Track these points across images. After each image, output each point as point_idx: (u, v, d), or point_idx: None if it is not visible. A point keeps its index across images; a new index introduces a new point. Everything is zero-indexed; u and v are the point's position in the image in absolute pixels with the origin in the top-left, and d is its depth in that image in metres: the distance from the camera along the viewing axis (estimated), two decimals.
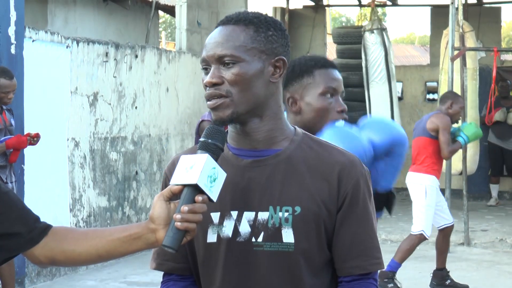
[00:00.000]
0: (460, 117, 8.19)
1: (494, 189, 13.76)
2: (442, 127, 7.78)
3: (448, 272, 8.20)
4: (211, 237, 2.20)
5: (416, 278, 8.47)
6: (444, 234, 8.11)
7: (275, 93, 2.22)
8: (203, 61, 2.20)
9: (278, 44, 2.21)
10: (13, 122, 7.05)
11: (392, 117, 11.81)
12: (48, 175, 8.20)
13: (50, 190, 8.24)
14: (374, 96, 11.66)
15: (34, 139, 6.93)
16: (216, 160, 2.10)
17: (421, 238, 7.85)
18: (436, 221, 8.03)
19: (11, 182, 6.95)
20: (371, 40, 11.70)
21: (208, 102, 2.19)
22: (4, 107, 6.99)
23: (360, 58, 12.28)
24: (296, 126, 2.29)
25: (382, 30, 11.81)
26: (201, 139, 2.13)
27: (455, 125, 8.12)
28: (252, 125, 2.20)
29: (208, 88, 2.17)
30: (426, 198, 7.86)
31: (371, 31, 11.74)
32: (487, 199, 14.06)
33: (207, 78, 2.17)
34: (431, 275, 8.21)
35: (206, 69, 2.20)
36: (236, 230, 2.18)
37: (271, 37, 2.20)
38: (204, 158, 2.06)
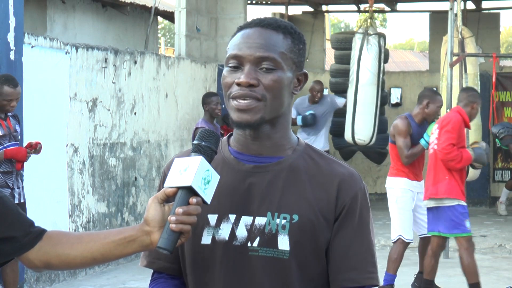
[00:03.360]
0: (439, 116, 8.04)
1: (505, 194, 13.48)
2: (396, 133, 7.69)
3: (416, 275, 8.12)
4: (206, 239, 2.19)
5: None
6: (425, 242, 7.95)
7: (290, 104, 2.23)
8: (234, 58, 2.15)
9: (303, 58, 2.24)
10: (18, 128, 7.06)
11: (375, 122, 11.76)
12: (47, 181, 8.21)
13: (49, 196, 8.24)
14: (361, 100, 11.65)
15: (34, 149, 6.94)
16: (209, 162, 2.10)
17: (403, 243, 7.71)
18: (416, 228, 7.93)
19: (18, 188, 6.96)
20: (366, 44, 11.70)
21: (236, 102, 2.12)
22: (8, 114, 6.99)
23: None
24: (298, 137, 2.30)
25: (378, 35, 11.80)
26: (195, 141, 2.13)
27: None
28: (263, 131, 2.19)
29: (239, 87, 2.12)
30: (397, 201, 7.77)
31: (365, 34, 11.74)
32: (486, 204, 14.04)
33: (243, 78, 2.12)
34: (414, 276, 8.12)
35: (234, 67, 2.15)
36: (233, 234, 2.17)
37: (301, 51, 2.22)
38: (198, 161, 2.07)
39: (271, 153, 2.21)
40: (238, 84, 2.12)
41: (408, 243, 7.79)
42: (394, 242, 7.79)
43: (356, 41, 11.77)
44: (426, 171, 7.56)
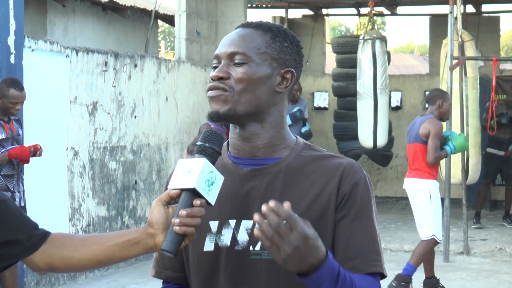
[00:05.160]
0: (449, 118, 8.19)
1: None
2: (433, 133, 7.80)
3: (438, 279, 8.17)
4: (208, 246, 2.19)
5: None
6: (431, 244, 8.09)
7: (278, 103, 2.22)
8: (215, 58, 2.22)
9: (291, 57, 2.23)
10: (20, 132, 7.08)
11: (390, 126, 11.81)
12: (47, 185, 8.20)
13: (49, 200, 8.24)
14: (381, 105, 11.67)
15: (37, 153, 6.96)
16: (213, 163, 2.10)
17: (434, 242, 7.90)
18: None
19: (19, 192, 6.97)
20: (382, 49, 11.69)
21: (208, 91, 2.19)
22: (12, 117, 7.01)
23: None
24: (297, 136, 2.29)
25: (383, 39, 11.84)
26: (198, 143, 2.13)
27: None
28: (252, 130, 2.20)
29: (212, 81, 2.19)
30: (431, 202, 7.92)
31: (382, 40, 11.75)
32: (486, 208, 14.04)
33: (214, 72, 2.18)
34: (422, 284, 8.20)
35: (215, 66, 2.21)
36: (234, 239, 2.17)
37: (286, 48, 2.22)
38: (202, 162, 2.06)
39: (267, 155, 2.21)
40: (211, 78, 2.19)
41: (437, 243, 7.97)
42: (425, 240, 7.92)
43: (363, 46, 11.77)
44: None
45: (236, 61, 2.17)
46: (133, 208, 9.85)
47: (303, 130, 11.91)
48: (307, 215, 2.14)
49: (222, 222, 2.19)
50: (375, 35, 11.78)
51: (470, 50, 10.88)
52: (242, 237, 2.17)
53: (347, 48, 13.38)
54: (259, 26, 2.23)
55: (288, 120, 11.62)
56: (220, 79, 2.17)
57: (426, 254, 7.91)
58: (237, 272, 2.16)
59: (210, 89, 2.19)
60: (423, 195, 7.94)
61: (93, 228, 9.00)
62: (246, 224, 2.17)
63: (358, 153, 13.03)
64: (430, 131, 7.80)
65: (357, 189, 2.17)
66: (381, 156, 13.20)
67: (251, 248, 2.16)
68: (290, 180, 2.18)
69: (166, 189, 2.24)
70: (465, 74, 10.54)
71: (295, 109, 11.71)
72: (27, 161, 6.99)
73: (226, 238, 2.18)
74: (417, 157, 7.92)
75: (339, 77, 13.52)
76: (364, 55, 11.77)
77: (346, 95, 13.34)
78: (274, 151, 2.21)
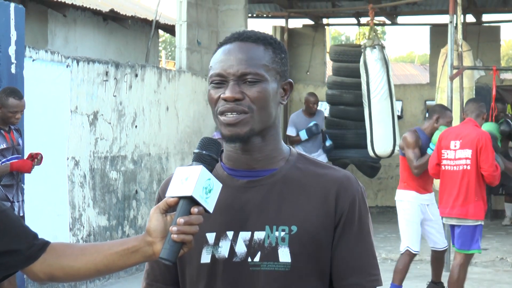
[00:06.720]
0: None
1: (508, 208, 13.66)
2: (406, 144, 7.83)
3: (444, 286, 8.17)
4: (205, 258, 2.19)
5: None
6: (436, 254, 8.10)
7: (278, 114, 2.23)
8: (218, 76, 2.16)
9: (287, 68, 2.25)
10: (20, 141, 7.09)
11: (394, 134, 11.80)
12: (48, 194, 8.20)
13: (50, 209, 8.24)
14: (376, 113, 11.64)
15: (36, 160, 6.97)
16: (211, 171, 2.10)
17: (410, 255, 7.81)
18: (430, 240, 8.08)
19: (18, 201, 6.98)
20: (374, 57, 11.69)
21: (225, 118, 2.14)
22: (12, 127, 7.03)
23: (356, 76, 12.26)
24: (291, 147, 2.29)
25: (382, 47, 11.84)
26: (196, 150, 2.13)
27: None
28: (253, 144, 2.19)
29: (225, 102, 2.13)
30: (404, 213, 7.88)
31: (373, 47, 11.74)
32: (487, 217, 14.02)
33: (228, 93, 2.13)
34: (427, 284, 8.22)
35: (218, 83, 2.16)
36: (232, 250, 2.16)
37: (284, 60, 2.23)
38: (199, 170, 2.06)
39: (264, 166, 2.21)
40: (224, 100, 2.14)
41: (415, 254, 7.88)
42: (402, 254, 7.87)
43: (361, 56, 11.78)
44: (441, 187, 7.62)
45: (249, 79, 2.14)
46: (134, 218, 9.84)
47: (327, 143, 11.87)
48: (304, 228, 2.15)
49: (219, 234, 2.18)
50: (365, 44, 11.81)
51: (467, 60, 10.91)
52: (240, 248, 2.16)
53: (344, 56, 13.40)
54: (258, 40, 2.20)
55: (304, 135, 11.56)
56: (235, 100, 2.13)
57: (405, 268, 7.78)
58: (235, 284, 2.16)
59: (227, 111, 2.14)
60: (399, 206, 7.97)
61: (94, 238, 8.99)
62: (244, 235, 2.16)
63: (345, 163, 13.03)
64: (403, 143, 7.84)
65: (354, 205, 2.18)
66: (368, 167, 13.19)
67: (249, 259, 2.15)
68: (286, 191, 2.18)
69: (159, 196, 2.26)
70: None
71: (311, 124, 11.63)
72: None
73: (223, 250, 2.17)
74: (401, 169, 8.00)
75: (334, 85, 13.53)
76: (360, 64, 11.81)
77: (339, 103, 13.34)
78: (271, 163, 2.22)
